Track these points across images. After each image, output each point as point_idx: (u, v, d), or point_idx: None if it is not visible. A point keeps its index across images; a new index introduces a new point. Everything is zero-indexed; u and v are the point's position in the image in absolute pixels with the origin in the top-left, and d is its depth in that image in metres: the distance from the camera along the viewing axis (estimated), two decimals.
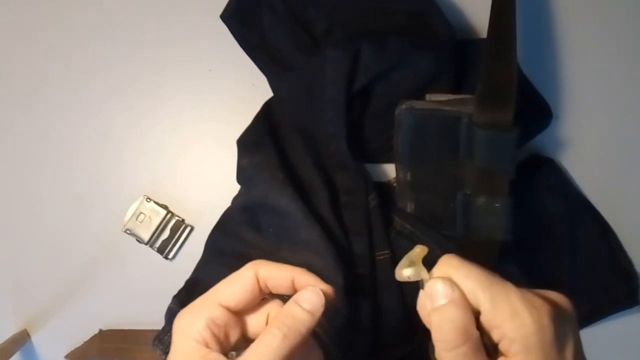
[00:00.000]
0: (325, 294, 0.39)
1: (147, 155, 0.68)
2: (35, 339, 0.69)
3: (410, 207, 0.61)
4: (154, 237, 0.66)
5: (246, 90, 0.66)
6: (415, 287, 0.59)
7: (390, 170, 0.64)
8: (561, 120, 0.64)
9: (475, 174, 0.56)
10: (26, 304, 0.69)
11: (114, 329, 0.68)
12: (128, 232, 0.66)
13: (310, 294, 0.38)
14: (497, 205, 0.55)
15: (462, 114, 0.55)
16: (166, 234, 0.66)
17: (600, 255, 0.63)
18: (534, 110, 0.62)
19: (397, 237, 0.60)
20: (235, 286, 0.39)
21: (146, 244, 0.66)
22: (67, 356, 0.68)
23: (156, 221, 0.66)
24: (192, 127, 0.68)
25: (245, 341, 0.41)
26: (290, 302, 0.38)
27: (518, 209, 0.55)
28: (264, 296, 0.41)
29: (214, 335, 0.37)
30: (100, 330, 0.68)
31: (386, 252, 0.60)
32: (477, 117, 0.54)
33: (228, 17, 0.63)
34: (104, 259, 0.68)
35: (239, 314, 0.40)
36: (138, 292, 0.67)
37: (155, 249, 0.66)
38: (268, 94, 0.64)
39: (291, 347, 0.36)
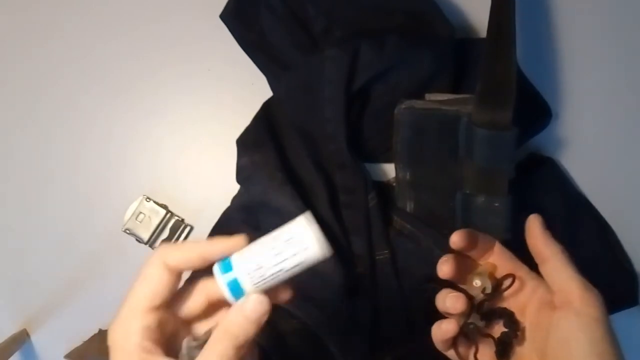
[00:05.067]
0: (265, 301, 0.39)
1: (147, 155, 0.68)
2: (34, 338, 0.69)
3: (409, 207, 0.61)
4: (153, 237, 0.66)
5: (245, 90, 0.66)
6: (414, 286, 0.59)
7: (389, 169, 0.64)
8: (560, 120, 0.64)
9: (474, 173, 0.56)
10: (26, 304, 0.69)
11: None
12: (128, 231, 0.66)
13: (255, 305, 0.38)
14: (496, 204, 0.55)
15: (462, 114, 0.55)
16: (166, 233, 0.66)
17: (599, 255, 0.62)
18: (534, 110, 0.62)
19: (397, 236, 0.60)
20: (150, 286, 0.39)
21: (146, 243, 0.66)
22: (66, 356, 0.67)
23: (156, 221, 0.66)
24: (192, 126, 0.68)
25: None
26: (235, 311, 0.38)
27: (517, 208, 0.55)
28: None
29: (154, 340, 0.38)
30: (100, 330, 0.68)
31: (386, 251, 0.60)
32: (477, 116, 0.54)
33: (227, 16, 0.63)
34: (104, 258, 0.68)
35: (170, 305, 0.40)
36: None
37: (155, 248, 0.66)
38: (267, 93, 0.64)
39: (241, 352, 0.38)
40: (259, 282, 0.38)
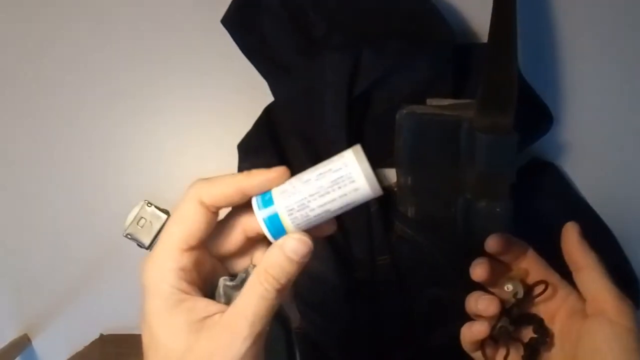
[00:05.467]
0: (307, 240, 0.36)
1: (148, 160, 0.68)
2: (36, 343, 0.69)
3: (411, 212, 0.61)
4: (155, 242, 0.66)
5: (247, 95, 0.66)
6: (415, 291, 0.59)
7: (391, 174, 0.64)
8: (562, 125, 0.64)
9: (476, 178, 0.56)
10: (27, 309, 0.69)
11: (115, 334, 0.68)
12: (129, 236, 0.66)
13: (297, 244, 0.35)
14: (497, 209, 0.55)
15: (463, 119, 0.55)
16: None
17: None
18: (535, 115, 0.62)
19: (398, 241, 0.60)
20: (185, 224, 0.36)
21: (147, 248, 0.66)
22: None
23: (157, 226, 0.66)
24: (193, 131, 0.68)
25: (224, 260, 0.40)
26: (275, 251, 0.36)
27: (518, 213, 0.55)
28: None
29: (188, 282, 0.36)
30: (101, 335, 0.68)
31: (386, 256, 0.60)
32: (478, 121, 0.54)
33: (228, 21, 0.63)
34: (105, 263, 0.68)
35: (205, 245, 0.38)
36: (139, 297, 0.67)
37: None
38: (268, 98, 0.64)
39: (283, 295, 0.36)
40: (302, 220, 0.35)
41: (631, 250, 0.63)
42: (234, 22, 0.63)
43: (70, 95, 0.69)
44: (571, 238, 0.48)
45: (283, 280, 0.35)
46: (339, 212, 0.36)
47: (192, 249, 0.37)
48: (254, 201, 0.36)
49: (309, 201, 0.35)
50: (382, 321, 0.60)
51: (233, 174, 0.37)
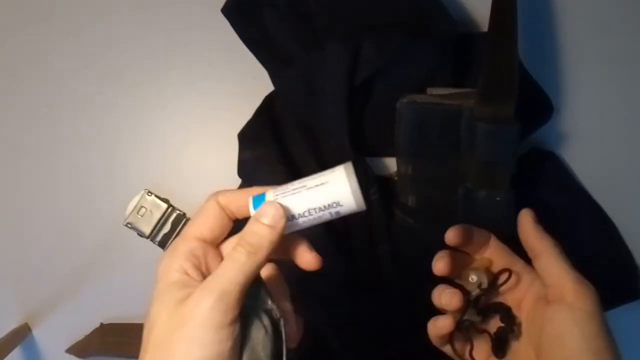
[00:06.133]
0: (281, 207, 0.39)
1: (148, 149, 0.68)
2: (36, 332, 0.69)
3: (411, 201, 0.61)
4: (155, 231, 0.66)
5: (247, 84, 0.66)
6: (416, 281, 0.59)
7: (391, 164, 0.64)
8: (562, 114, 0.64)
9: (476, 167, 0.55)
10: (27, 298, 0.69)
11: (115, 323, 0.68)
12: (129, 226, 0.66)
13: (268, 208, 0.38)
14: (498, 199, 0.55)
15: (464, 108, 0.55)
16: (167, 228, 0.66)
17: (601, 249, 0.63)
18: (535, 104, 0.62)
19: (399, 231, 0.60)
20: (202, 218, 0.40)
21: (147, 237, 0.66)
22: (68, 350, 0.68)
23: (157, 215, 0.66)
24: (193, 120, 0.68)
25: None
26: (251, 220, 0.39)
27: (519, 203, 0.55)
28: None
29: (195, 267, 0.38)
30: (101, 324, 0.68)
31: (387, 246, 0.60)
32: (479, 110, 0.54)
33: (229, 10, 0.63)
34: (105, 252, 0.68)
35: (218, 247, 0.41)
36: (139, 286, 0.67)
37: (157, 243, 0.66)
38: (269, 87, 0.64)
39: (257, 262, 0.37)
40: (283, 192, 0.39)
41: (631, 239, 0.63)
42: (234, 11, 0.63)
43: (77, 91, 0.69)
44: (526, 225, 0.47)
45: (256, 244, 0.37)
46: (320, 210, 0.40)
47: (204, 240, 0.40)
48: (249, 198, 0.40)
49: (299, 209, 0.39)
50: (383, 311, 0.60)
51: (251, 188, 0.41)
